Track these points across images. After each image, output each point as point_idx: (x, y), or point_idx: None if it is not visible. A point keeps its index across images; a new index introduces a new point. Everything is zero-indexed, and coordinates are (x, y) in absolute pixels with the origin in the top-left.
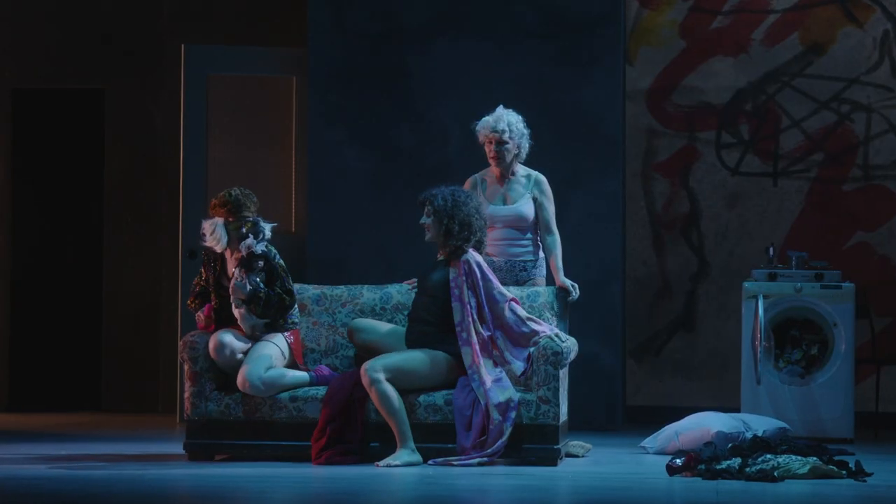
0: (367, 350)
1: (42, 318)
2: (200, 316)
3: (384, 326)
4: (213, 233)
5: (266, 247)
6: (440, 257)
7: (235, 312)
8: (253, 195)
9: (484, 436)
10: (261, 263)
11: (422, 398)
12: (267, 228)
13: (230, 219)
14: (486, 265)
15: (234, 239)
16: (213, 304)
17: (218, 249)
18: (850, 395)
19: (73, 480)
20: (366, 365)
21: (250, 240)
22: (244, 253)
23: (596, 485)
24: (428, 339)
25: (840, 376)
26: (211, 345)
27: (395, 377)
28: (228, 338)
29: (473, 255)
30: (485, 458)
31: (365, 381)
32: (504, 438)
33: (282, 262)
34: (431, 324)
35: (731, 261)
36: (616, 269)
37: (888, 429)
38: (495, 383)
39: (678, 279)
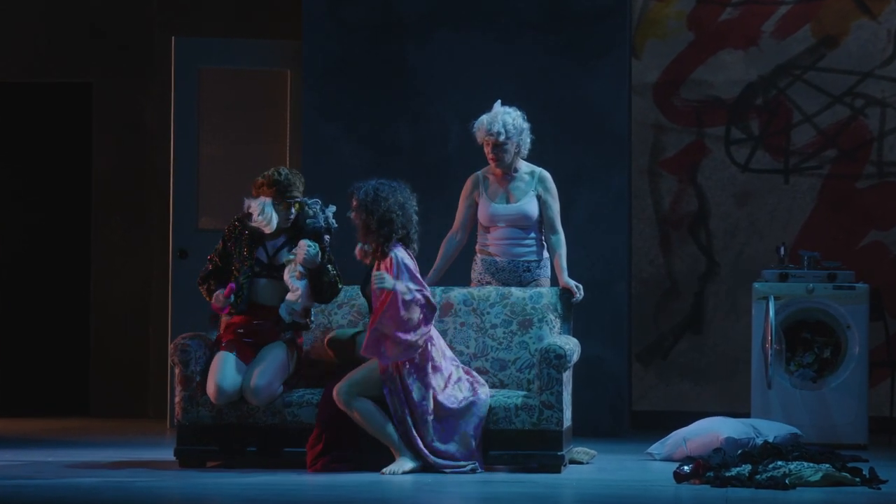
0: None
1: (28, 319)
2: (219, 296)
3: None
4: (263, 212)
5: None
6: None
7: (291, 285)
8: (300, 174)
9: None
10: (328, 238)
11: None
12: (317, 206)
13: (278, 199)
14: (410, 264)
15: (283, 219)
16: (234, 286)
17: (267, 231)
18: (863, 399)
19: (60, 488)
20: (335, 392)
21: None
22: (323, 224)
23: (601, 492)
24: None
25: (853, 380)
26: (210, 389)
27: (364, 389)
28: (229, 381)
29: (397, 252)
30: (478, 466)
31: (342, 407)
32: (474, 463)
33: None
34: None
35: (741, 261)
36: (622, 270)
37: None
38: (430, 422)
39: (686, 279)
